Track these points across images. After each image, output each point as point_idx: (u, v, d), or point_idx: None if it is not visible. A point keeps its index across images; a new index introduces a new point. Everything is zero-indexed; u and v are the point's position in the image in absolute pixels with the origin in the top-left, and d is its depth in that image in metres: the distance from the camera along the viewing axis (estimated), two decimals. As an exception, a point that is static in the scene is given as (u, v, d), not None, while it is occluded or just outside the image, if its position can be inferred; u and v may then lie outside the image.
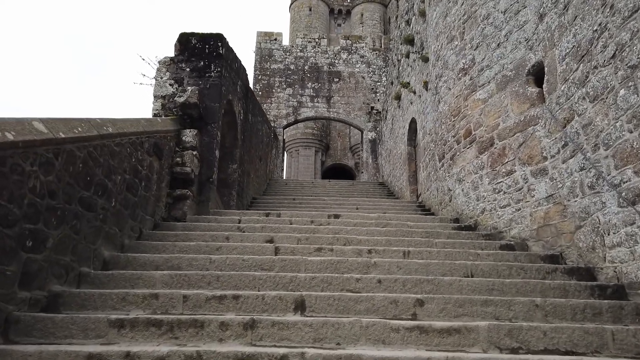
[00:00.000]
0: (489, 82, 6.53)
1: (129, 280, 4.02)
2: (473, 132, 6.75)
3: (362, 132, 23.70)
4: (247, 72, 10.09)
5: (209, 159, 7.12)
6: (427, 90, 10.69)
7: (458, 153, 7.11)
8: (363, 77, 24.46)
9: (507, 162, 6.01)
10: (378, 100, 23.62)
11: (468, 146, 6.84)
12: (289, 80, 24.18)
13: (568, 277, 4.52)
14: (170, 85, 7.38)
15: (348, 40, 25.53)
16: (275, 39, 25.24)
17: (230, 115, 8.79)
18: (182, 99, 6.80)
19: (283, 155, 23.65)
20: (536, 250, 5.39)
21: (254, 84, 24.10)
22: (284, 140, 24.93)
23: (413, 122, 12.68)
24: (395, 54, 15.56)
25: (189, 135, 6.74)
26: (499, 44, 6.42)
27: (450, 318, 3.58)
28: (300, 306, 3.60)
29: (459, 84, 7.22)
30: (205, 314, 3.47)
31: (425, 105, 10.84)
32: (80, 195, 3.97)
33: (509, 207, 5.91)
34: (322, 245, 5.25)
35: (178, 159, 6.49)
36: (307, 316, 3.55)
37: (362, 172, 24.16)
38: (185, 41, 7.57)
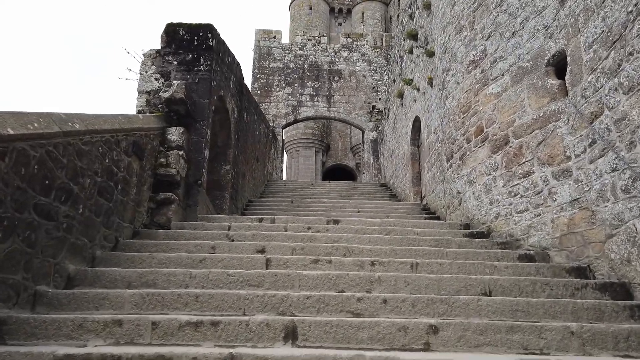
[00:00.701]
0: (502, 74, 5.95)
1: (92, 301, 3.45)
2: (485, 130, 6.17)
3: (363, 132, 23.13)
4: (241, 68, 9.53)
5: (198, 160, 6.55)
6: (432, 86, 10.12)
7: (468, 153, 6.53)
8: (364, 76, 23.89)
9: (525, 162, 5.43)
10: (380, 99, 23.05)
11: (479, 145, 6.27)
12: (288, 79, 23.62)
13: (601, 295, 3.94)
14: (155, 79, 6.83)
15: (349, 38, 24.96)
16: (275, 37, 24.69)
17: (223, 113, 8.24)
18: (167, 94, 6.24)
19: (282, 156, 23.09)
20: (559, 261, 4.81)
21: (253, 83, 23.55)
22: (283, 140, 24.38)
23: (417, 120, 12.12)
24: (398, 51, 14.99)
25: (174, 134, 6.18)
26: (513, 32, 5.85)
27: (470, 348, 3.01)
28: (291, 334, 3.03)
29: (469, 77, 6.65)
30: (176, 345, 2.90)
31: (430, 102, 10.27)
32: (36, 201, 3.41)
33: (527, 212, 5.33)
34: (319, 256, 4.68)
35: (162, 160, 5.92)
36: (299, 346, 2.98)
37: (364, 173, 23.57)
38: (172, 32, 7.01)
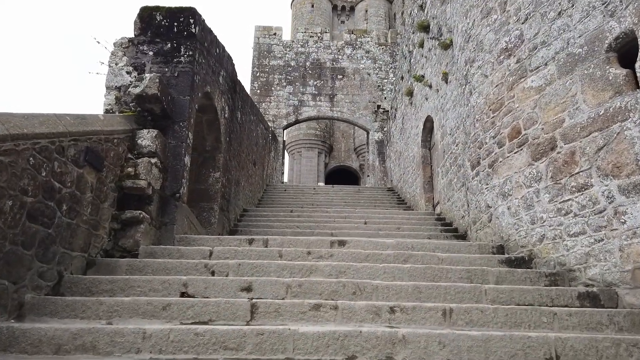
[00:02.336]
0: (545, 64, 4.85)
1: (-8, 385, 2.38)
2: (523, 132, 5.07)
3: (367, 133, 22.01)
4: (234, 62, 8.45)
5: (176, 168, 5.47)
6: (447, 82, 9.04)
7: (501, 159, 5.43)
8: (369, 74, 22.78)
9: (579, 172, 4.33)
10: (385, 98, 21.95)
11: (516, 150, 5.16)
12: (289, 77, 22.54)
13: None
14: (127, 73, 5.76)
15: (352, 35, 23.85)
16: (275, 34, 23.62)
17: (211, 113, 7.16)
18: (137, 90, 5.16)
19: (283, 158, 21.96)
20: (633, 302, 3.71)
21: (252, 82, 22.50)
22: (284, 141, 23.31)
23: (428, 120, 11.03)
24: (406, 45, 13.90)
25: (146, 138, 5.10)
26: (560, 12, 4.75)
27: None
28: None
29: (500, 68, 5.55)
30: None
31: (445, 100, 9.18)
32: None
33: (584, 236, 4.23)
34: (321, 297, 3.60)
35: (130, 170, 4.85)
36: None
37: (368, 176, 22.46)
38: (148, 17, 5.93)
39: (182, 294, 3.69)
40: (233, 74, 8.46)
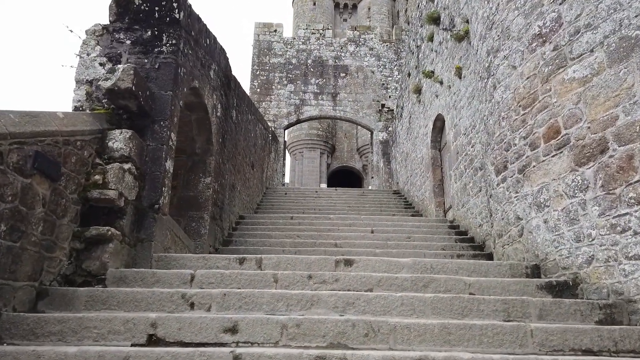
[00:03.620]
0: (591, 50, 4.07)
1: None
2: (563, 131, 4.28)
3: (371, 133, 21.20)
4: (227, 55, 7.69)
5: (154, 175, 4.70)
6: (460, 78, 8.27)
7: (534, 163, 4.64)
8: (372, 72, 21.96)
9: (638, 181, 3.54)
10: (390, 96, 21.14)
11: (554, 153, 4.37)
12: (290, 75, 21.73)
13: None
14: (100, 64, 5.01)
15: (355, 31, 23.03)
16: (276, 31, 22.83)
17: (201, 111, 6.40)
18: (108, 83, 4.39)
19: (284, 159, 21.16)
20: None
21: (252, 80, 21.71)
22: (285, 142, 22.50)
23: (439, 119, 10.25)
24: (414, 40, 13.10)
25: (118, 140, 4.34)
26: (608, -12, 3.97)
27: None
28: None
29: (533, 58, 4.76)
30: None
31: (459, 97, 8.40)
32: None
33: (648, 259, 3.44)
34: (325, 343, 2.82)
35: (97, 177, 4.08)
36: None
37: (372, 178, 21.65)
38: (125, 1, 5.17)
39: (150, 337, 2.93)
40: (227, 68, 7.69)
